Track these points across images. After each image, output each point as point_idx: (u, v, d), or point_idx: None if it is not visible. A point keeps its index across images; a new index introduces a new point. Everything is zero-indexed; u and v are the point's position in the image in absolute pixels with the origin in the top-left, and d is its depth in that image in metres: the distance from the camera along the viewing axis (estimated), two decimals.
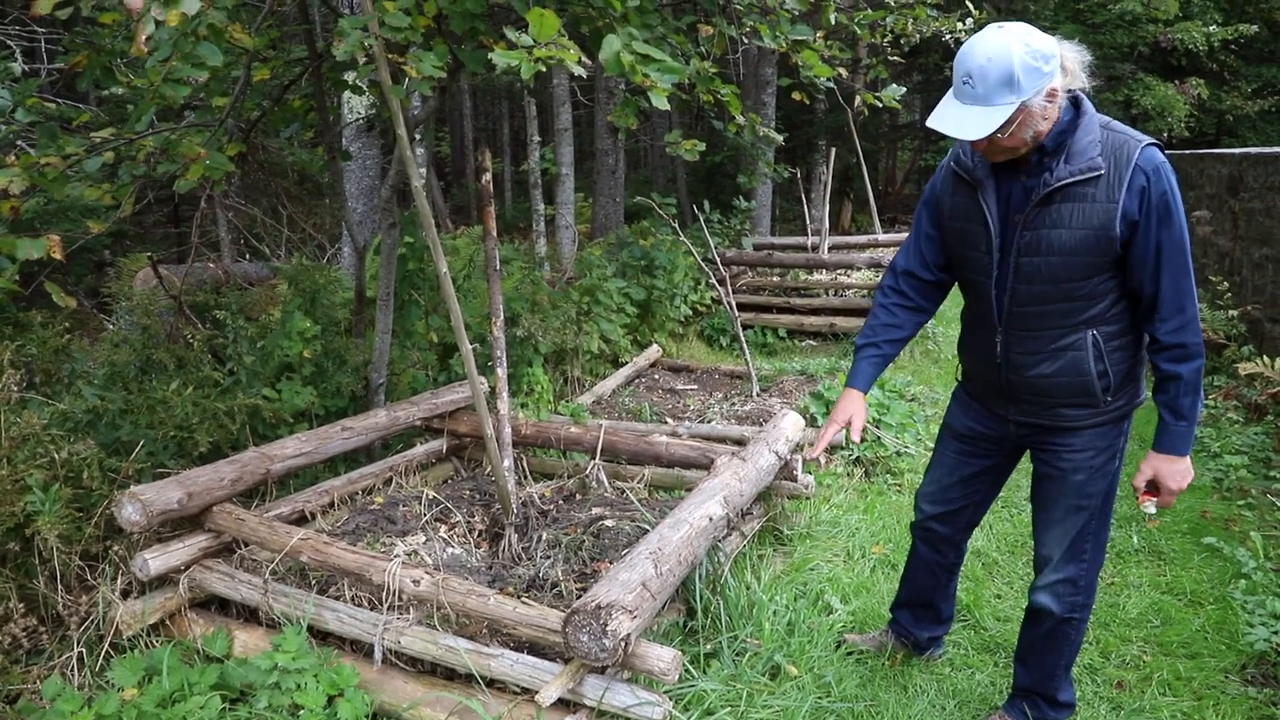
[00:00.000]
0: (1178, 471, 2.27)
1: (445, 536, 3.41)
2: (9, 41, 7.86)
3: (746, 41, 4.21)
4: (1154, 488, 2.32)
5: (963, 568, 3.77)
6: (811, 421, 5.02)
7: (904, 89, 4.34)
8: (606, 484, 3.91)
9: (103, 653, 2.79)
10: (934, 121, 2.14)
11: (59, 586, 2.84)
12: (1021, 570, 3.72)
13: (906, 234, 10.19)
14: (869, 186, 10.69)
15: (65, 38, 3.34)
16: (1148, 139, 2.16)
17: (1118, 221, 2.12)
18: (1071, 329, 2.27)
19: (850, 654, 3.06)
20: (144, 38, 2.15)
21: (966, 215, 2.35)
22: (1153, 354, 2.25)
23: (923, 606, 2.97)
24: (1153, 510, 2.34)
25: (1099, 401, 2.32)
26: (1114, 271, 2.21)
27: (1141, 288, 2.19)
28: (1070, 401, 2.35)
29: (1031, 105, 2.07)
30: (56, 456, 2.93)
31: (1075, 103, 2.19)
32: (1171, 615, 3.35)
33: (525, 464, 4.23)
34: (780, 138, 4.98)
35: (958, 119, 2.10)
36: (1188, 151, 7.63)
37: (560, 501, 3.76)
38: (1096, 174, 2.13)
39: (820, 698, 2.81)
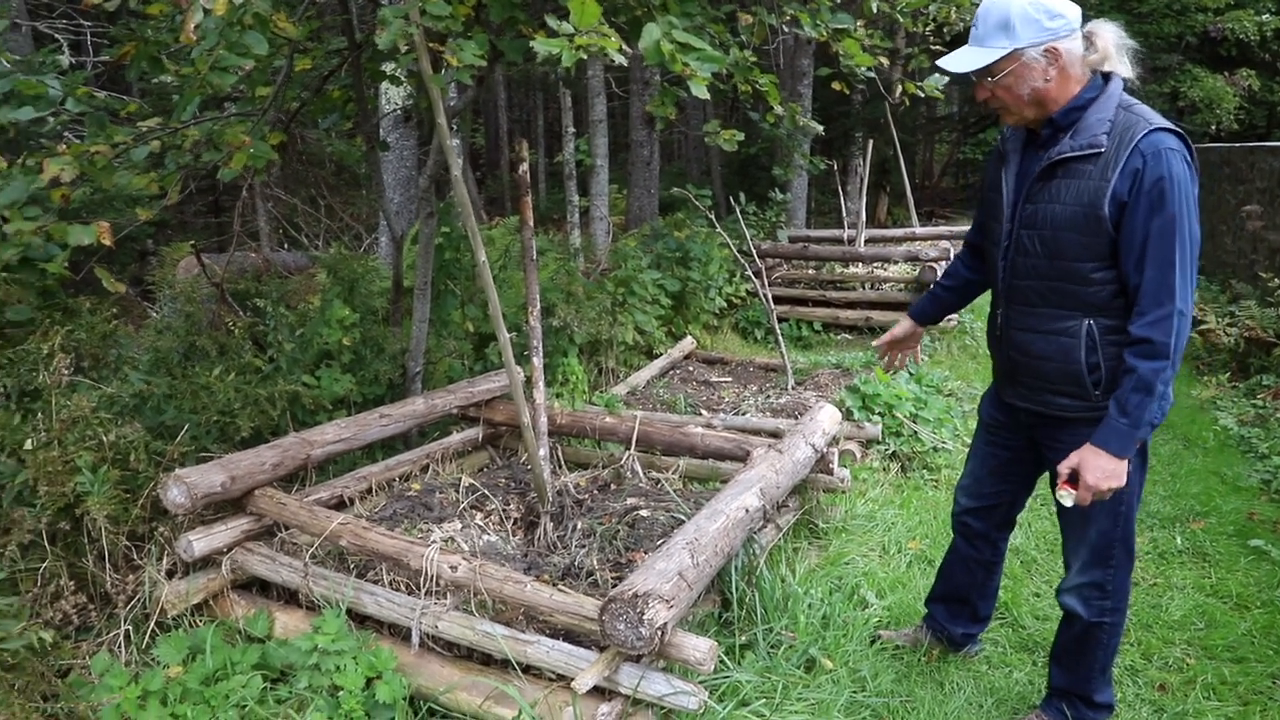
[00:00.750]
0: (1100, 467, 2.14)
1: (481, 524, 3.44)
2: (56, 35, 8.02)
3: (786, 30, 4.17)
4: (1077, 479, 2.22)
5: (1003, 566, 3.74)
6: (848, 415, 4.98)
7: (946, 78, 4.27)
8: (641, 474, 3.91)
9: (149, 631, 2.85)
10: (940, 61, 2.26)
11: (107, 565, 2.90)
12: (1059, 569, 3.65)
13: (944, 227, 10.06)
14: (906, 179, 10.57)
15: (113, 29, 3.40)
16: (1164, 124, 2.09)
17: (1106, 201, 2.08)
18: (1068, 313, 2.23)
19: (886, 649, 3.04)
20: (192, 26, 2.18)
21: (994, 187, 2.40)
22: (1124, 347, 2.15)
23: (958, 602, 2.95)
24: (1068, 502, 2.22)
25: (1089, 395, 2.25)
26: (1113, 261, 2.14)
27: (1127, 277, 2.12)
28: (1061, 389, 2.30)
29: (1026, 57, 2.11)
30: (105, 439, 3.00)
31: (1105, 81, 2.18)
32: (1216, 618, 3.29)
33: (560, 453, 4.24)
34: (820, 128, 4.93)
35: (955, 57, 2.21)
36: (1238, 145, 7.45)
37: (595, 491, 3.77)
38: (1097, 151, 2.11)
39: (856, 692, 2.79)
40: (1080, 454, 2.20)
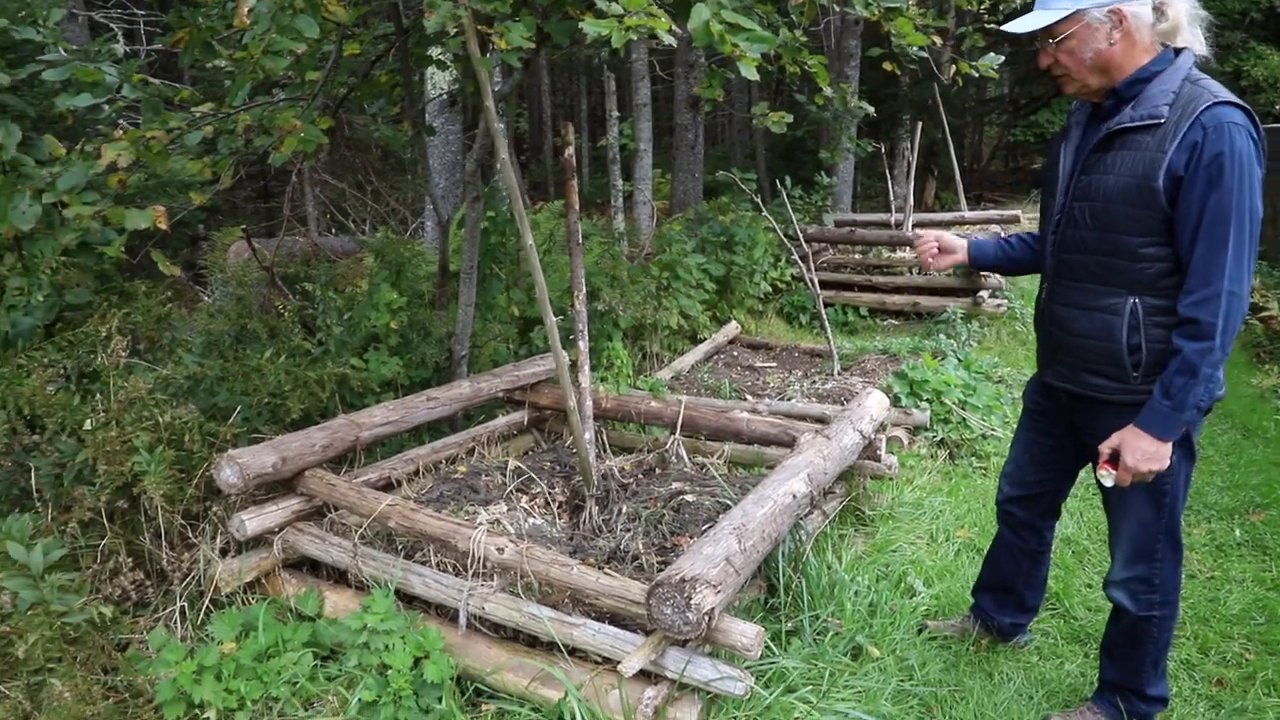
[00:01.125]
0: (1140, 449, 2.09)
1: (526, 507, 3.45)
2: (111, 24, 8.18)
3: (836, 10, 4.10)
4: (1118, 459, 2.17)
5: (1053, 555, 3.66)
6: (895, 401, 4.91)
7: (1001, 58, 4.17)
8: (686, 459, 3.90)
9: (203, 607, 2.91)
10: (1004, 25, 2.24)
11: (163, 543, 2.97)
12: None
13: (994, 211, 9.86)
14: (954, 162, 10.38)
15: (169, 15, 3.45)
16: (1230, 98, 2.01)
17: (1161, 174, 2.02)
18: (1113, 290, 2.17)
19: (934, 638, 3.00)
20: (246, 10, 2.19)
21: (1053, 163, 2.35)
22: (1170, 329, 2.09)
23: (1004, 591, 2.90)
24: (1108, 483, 2.19)
25: (1127, 376, 2.18)
26: (1166, 236, 2.07)
27: (1182, 255, 2.05)
28: (1098, 369, 2.23)
29: (1090, 18, 2.07)
30: (160, 420, 3.06)
31: (1176, 56, 2.12)
32: (1278, 613, 3.19)
33: (605, 437, 4.25)
34: (870, 109, 4.85)
35: (1021, 20, 2.17)
36: None
37: (640, 475, 3.77)
38: (1156, 122, 2.05)
39: (903, 680, 2.76)
40: (1122, 434, 2.15)
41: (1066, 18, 2.09)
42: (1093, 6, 2.07)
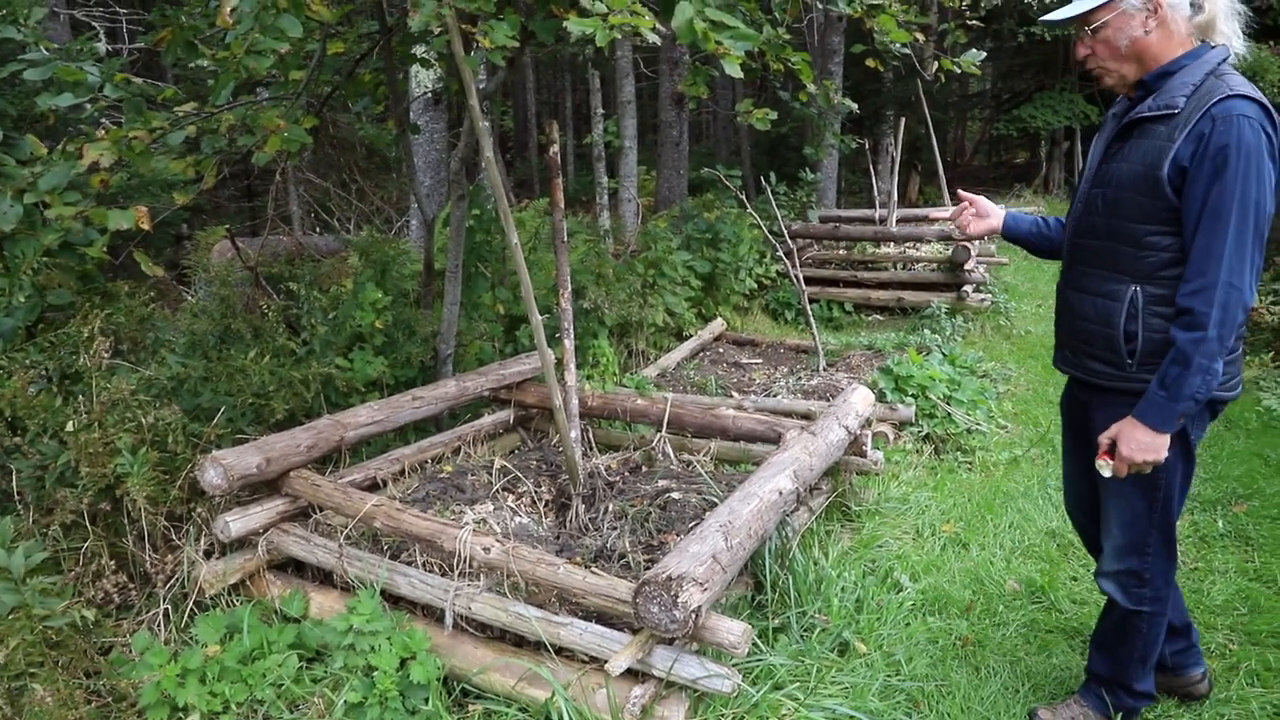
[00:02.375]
0: (1135, 439, 2.11)
1: (513, 506, 3.45)
2: (93, 23, 8.11)
3: (819, 7, 4.11)
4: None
5: (1040, 549, 3.69)
6: (881, 397, 4.94)
7: (983, 54, 4.19)
8: (672, 456, 3.90)
9: (187, 610, 2.90)
10: (1041, 19, 2.25)
11: (146, 545, 2.95)
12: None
13: None
14: (938, 158, 10.42)
15: (152, 14, 3.42)
16: (1246, 91, 2.01)
17: (1167, 163, 2.04)
18: (1117, 277, 2.19)
19: (919, 632, 3.01)
20: (229, 9, 2.18)
21: (1089, 155, 2.38)
22: (1170, 320, 2.10)
23: None
24: (1106, 473, 2.20)
25: (1122, 363, 2.20)
26: (1171, 227, 2.08)
27: (1186, 246, 2.06)
28: (1097, 354, 2.26)
29: (1126, 5, 2.09)
30: (143, 421, 3.04)
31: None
32: (1260, 603, 3.22)
33: (591, 435, 4.25)
34: (854, 106, 4.86)
35: (1059, 11, 2.20)
36: None
37: (626, 473, 3.77)
38: (1171, 112, 2.07)
39: (890, 676, 2.77)
40: (1120, 425, 2.16)
41: (1102, 5, 2.12)
42: None
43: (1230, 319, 2.00)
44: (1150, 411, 2.09)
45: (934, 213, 2.81)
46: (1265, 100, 2.02)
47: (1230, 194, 1.97)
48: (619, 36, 2.46)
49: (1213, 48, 2.13)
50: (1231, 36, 2.15)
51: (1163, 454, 2.12)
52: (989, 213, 2.65)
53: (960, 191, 2.79)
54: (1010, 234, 2.66)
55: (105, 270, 3.71)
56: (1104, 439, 2.21)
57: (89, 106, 4.09)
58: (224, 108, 3.30)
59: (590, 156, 10.90)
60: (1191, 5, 2.11)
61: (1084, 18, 2.15)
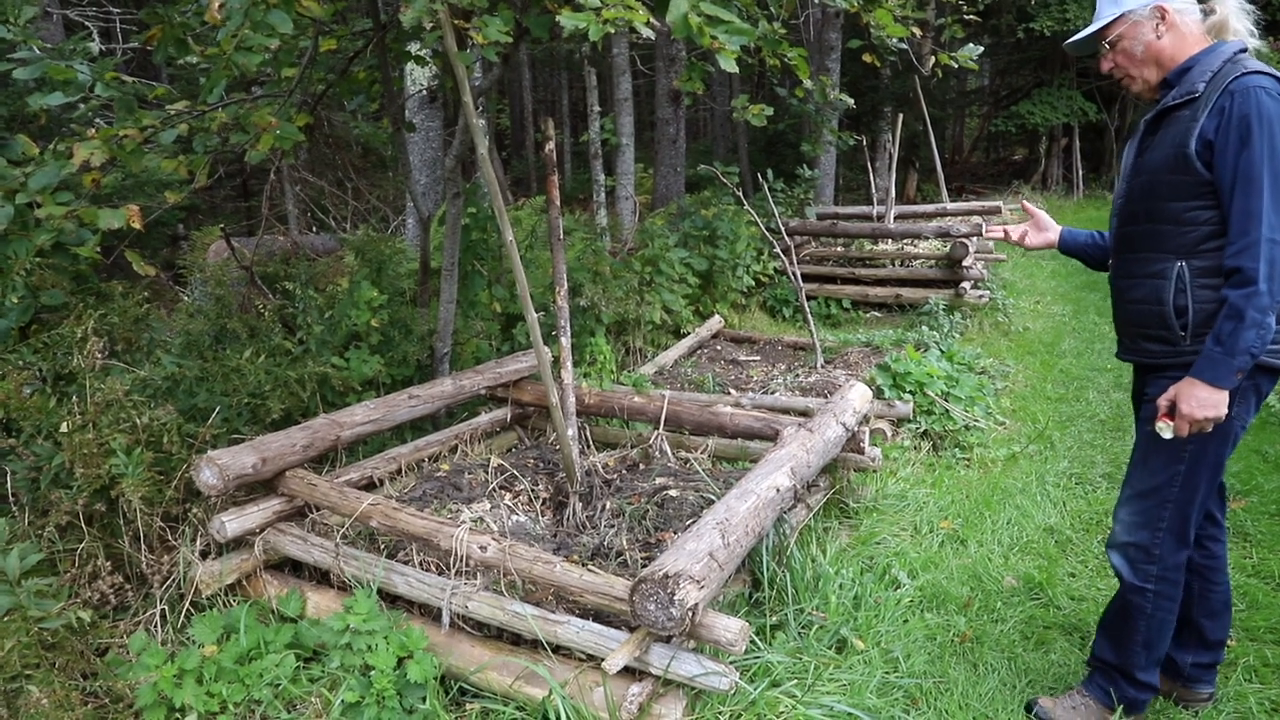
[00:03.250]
0: (1194, 395, 2.15)
1: (510, 504, 3.44)
2: (86, 22, 8.08)
3: (816, 2, 4.09)
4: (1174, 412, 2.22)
5: (1037, 545, 3.68)
6: (878, 393, 4.93)
7: (980, 49, 4.18)
8: (670, 454, 3.90)
9: (184, 610, 2.89)
10: (1065, 44, 2.48)
11: (142, 546, 2.94)
12: (1096, 549, 3.60)
13: (976, 203, 9.84)
14: (936, 154, 10.41)
15: (143, 12, 3.40)
16: (1262, 68, 2.12)
17: (1194, 139, 2.15)
18: (1162, 256, 2.27)
19: (917, 629, 3.00)
20: (217, 5, 2.16)
21: (1123, 160, 2.48)
22: (1218, 289, 2.17)
23: (1180, 623, 2.57)
24: (1167, 435, 2.22)
25: (1176, 339, 2.26)
26: (1206, 201, 2.18)
27: (1225, 216, 2.15)
28: (1150, 334, 2.33)
29: (1135, 15, 2.27)
30: (138, 422, 3.02)
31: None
32: (1259, 599, 3.22)
33: (588, 433, 4.23)
34: (851, 101, 4.85)
35: (1079, 35, 2.39)
36: None
37: (624, 471, 3.76)
38: (1193, 96, 2.19)
39: (888, 673, 2.76)
40: (1178, 385, 2.21)
41: (1114, 20, 2.30)
42: (1137, 6, 2.27)
43: (1278, 272, 2.07)
44: (1208, 367, 2.14)
45: (989, 230, 2.88)
46: None
47: (1260, 158, 2.07)
48: (612, 31, 2.45)
49: (1228, 42, 2.26)
50: (1245, 34, 2.29)
51: (1223, 410, 2.16)
52: (1047, 226, 2.79)
53: (1025, 204, 2.90)
54: (1067, 247, 2.78)
55: (99, 270, 3.70)
56: (1163, 401, 2.24)
57: (81, 106, 4.08)
58: (216, 106, 3.29)
59: (587, 154, 10.88)
60: (1202, 9, 2.27)
61: (1100, 34, 2.33)
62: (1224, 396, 2.14)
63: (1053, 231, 2.77)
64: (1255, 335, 2.08)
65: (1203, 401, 2.15)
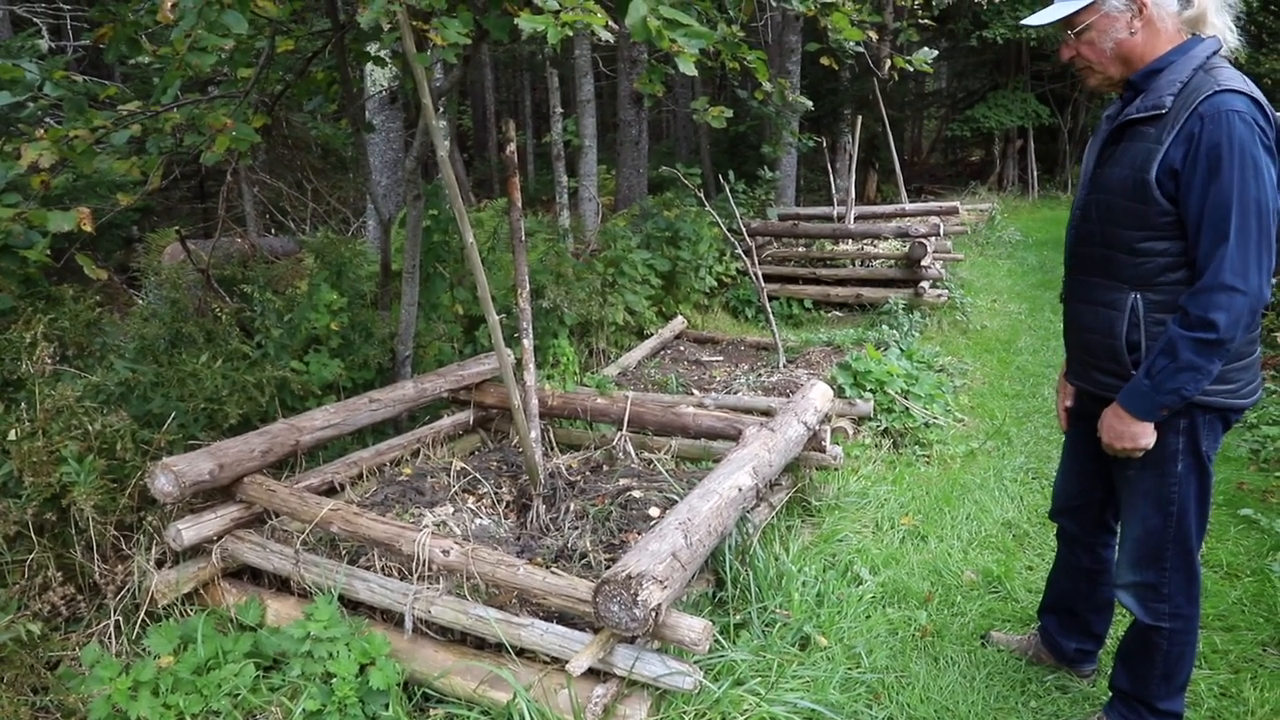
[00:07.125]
0: (1114, 425, 2.12)
1: (473, 507, 3.42)
2: (35, 19, 7.90)
3: (775, 5, 4.13)
4: None
5: (995, 539, 3.74)
6: (839, 392, 4.97)
7: (935, 52, 4.24)
8: (633, 455, 3.90)
9: (139, 621, 2.83)
10: (1024, 20, 2.22)
11: (95, 556, 2.88)
12: (1052, 542, 3.66)
13: (934, 203, 10.00)
14: (895, 156, 10.55)
15: (94, 9, 3.33)
16: (1235, 85, 1.93)
17: (1155, 166, 1.98)
18: (1116, 285, 2.13)
19: (879, 625, 3.04)
20: (170, 4, 2.13)
21: (1085, 160, 2.33)
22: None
23: (1067, 613, 2.76)
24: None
25: (1126, 374, 2.14)
26: (1165, 233, 2.02)
27: (1191, 251, 1.99)
28: (1102, 366, 2.21)
29: (1109, 7, 2.04)
30: (90, 428, 2.96)
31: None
32: (1207, 588, 3.29)
33: (552, 435, 4.23)
34: (809, 104, 4.90)
35: (1040, 13, 2.14)
36: None
37: (587, 473, 3.76)
38: (1159, 113, 2.00)
39: (850, 668, 2.80)
40: (1105, 410, 2.17)
41: (1085, 8, 2.07)
42: None
43: (1234, 322, 1.92)
44: (1132, 398, 2.07)
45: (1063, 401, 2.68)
46: (1257, 93, 1.96)
47: (1228, 193, 1.90)
48: (571, 34, 2.45)
49: (1202, 40, 2.06)
50: (1223, 29, 2.08)
51: (1141, 444, 2.10)
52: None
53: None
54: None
55: (49, 274, 3.61)
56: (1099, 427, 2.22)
57: (30, 105, 3.99)
58: (170, 106, 3.23)
59: (550, 155, 10.86)
60: (1181, 2, 2.05)
61: (1066, 21, 2.11)
62: (1145, 429, 2.08)
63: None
64: (1189, 378, 1.98)
65: (1119, 433, 2.11)
